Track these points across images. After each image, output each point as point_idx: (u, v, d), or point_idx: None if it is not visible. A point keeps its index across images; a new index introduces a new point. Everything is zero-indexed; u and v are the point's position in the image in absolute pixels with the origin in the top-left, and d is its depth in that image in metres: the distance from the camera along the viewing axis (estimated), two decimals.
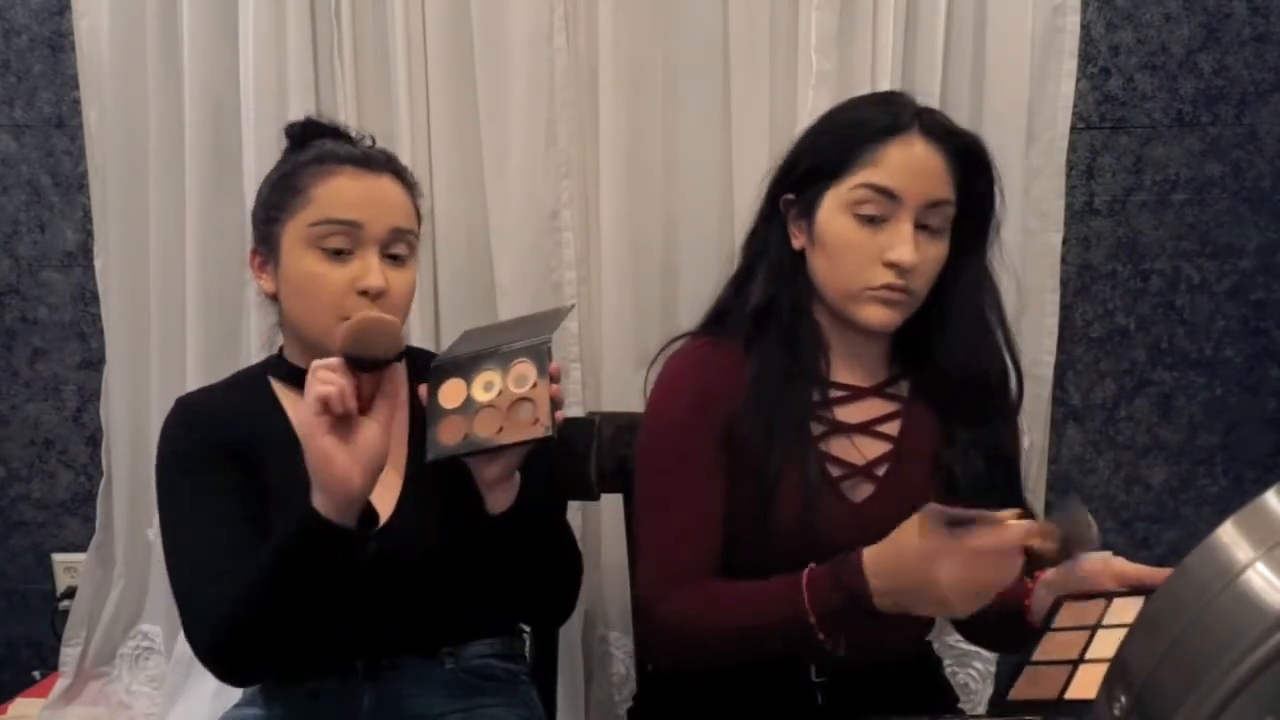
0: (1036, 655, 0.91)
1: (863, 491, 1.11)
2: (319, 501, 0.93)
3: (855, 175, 1.06)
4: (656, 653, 1.14)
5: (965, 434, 1.11)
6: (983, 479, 1.10)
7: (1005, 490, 1.12)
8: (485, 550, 1.04)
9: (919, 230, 1.05)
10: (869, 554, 0.94)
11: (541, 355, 0.97)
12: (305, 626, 1.00)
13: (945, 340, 1.12)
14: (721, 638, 1.03)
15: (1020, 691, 0.87)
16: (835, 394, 1.13)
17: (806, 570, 0.98)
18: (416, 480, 1.10)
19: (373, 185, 1.07)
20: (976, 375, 1.11)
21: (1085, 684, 0.83)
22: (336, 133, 1.15)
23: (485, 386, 0.96)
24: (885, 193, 1.05)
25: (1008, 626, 1.05)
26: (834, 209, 1.08)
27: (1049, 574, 1.01)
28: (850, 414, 1.13)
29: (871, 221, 1.06)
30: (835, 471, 1.11)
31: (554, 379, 0.96)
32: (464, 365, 0.99)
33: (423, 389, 1.02)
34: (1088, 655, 0.87)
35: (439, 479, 1.02)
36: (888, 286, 1.05)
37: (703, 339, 1.18)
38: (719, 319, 1.20)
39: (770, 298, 1.13)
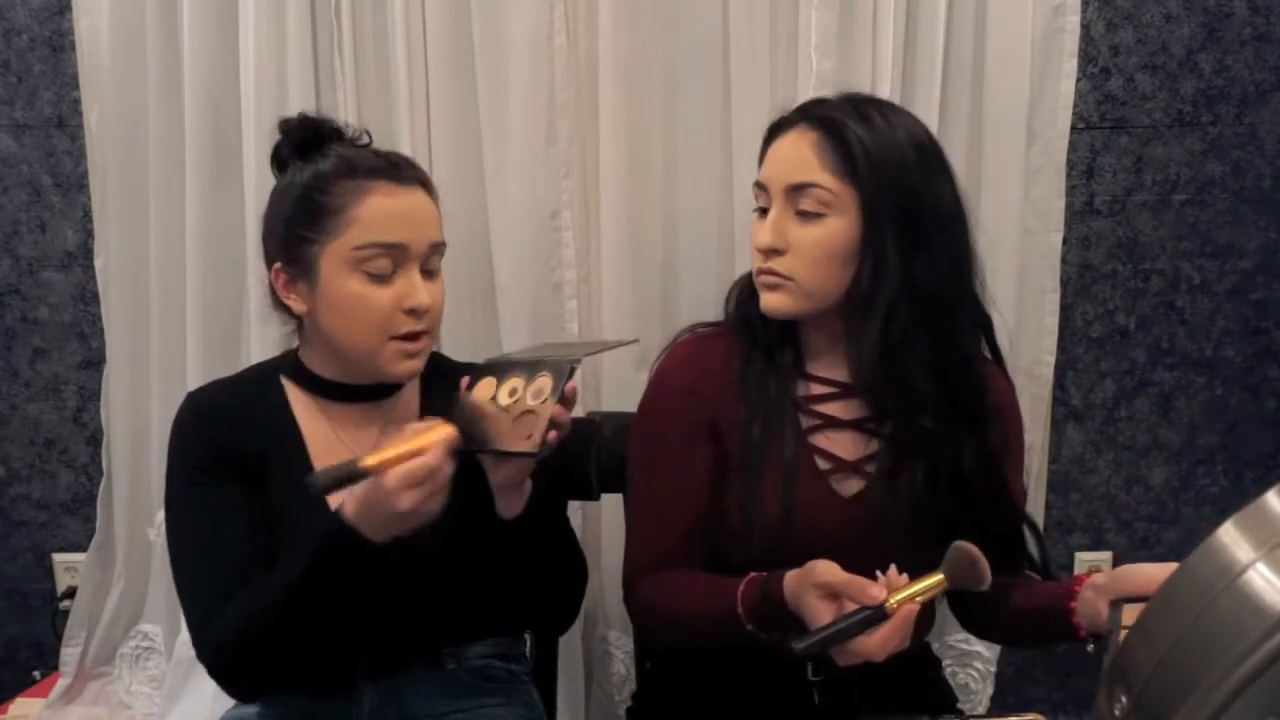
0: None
1: (851, 487, 1.11)
2: (360, 521, 0.92)
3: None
4: (639, 632, 1.20)
5: (921, 452, 1.09)
6: (935, 507, 1.08)
7: (980, 506, 1.10)
8: (493, 554, 1.04)
9: (796, 216, 1.07)
10: (789, 575, 0.97)
11: (562, 373, 0.95)
12: (317, 641, 1.00)
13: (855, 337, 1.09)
14: (681, 623, 1.08)
15: None
16: (824, 389, 1.13)
17: (749, 575, 1.01)
18: None
19: (409, 201, 1.06)
20: (886, 377, 1.07)
21: None
22: (333, 130, 1.12)
23: (510, 391, 0.96)
24: (759, 185, 1.11)
25: (1052, 629, 1.05)
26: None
27: (1096, 578, 1.00)
28: (843, 409, 1.13)
29: (762, 214, 1.10)
30: (824, 465, 1.11)
31: (566, 399, 0.95)
32: (502, 367, 0.99)
33: (464, 380, 1.01)
34: None
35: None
36: (760, 271, 1.09)
37: (703, 332, 1.19)
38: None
39: (735, 291, 1.18)
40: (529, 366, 0.97)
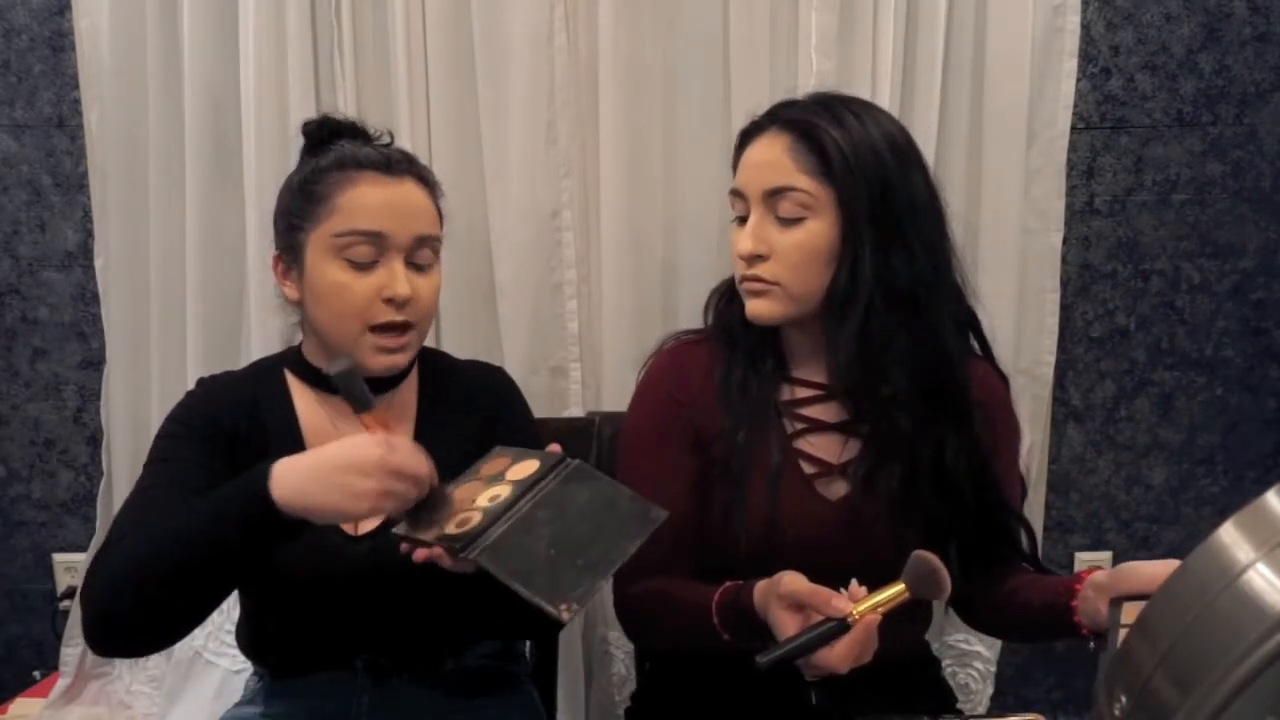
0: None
1: (837, 490, 1.11)
2: (313, 470, 0.89)
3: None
4: (629, 635, 1.21)
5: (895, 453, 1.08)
6: (918, 507, 1.08)
7: (966, 504, 1.09)
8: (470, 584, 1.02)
9: (776, 220, 1.06)
10: (758, 585, 0.97)
11: (487, 522, 0.92)
12: (196, 605, 0.94)
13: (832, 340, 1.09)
14: (667, 631, 1.10)
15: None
16: (807, 392, 1.13)
17: (724, 584, 1.02)
18: None
19: (395, 192, 1.07)
20: (863, 378, 1.07)
21: None
22: (355, 131, 1.13)
23: (490, 498, 0.96)
24: (736, 193, 1.10)
25: (1054, 626, 1.05)
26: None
27: (1096, 576, 0.99)
28: (827, 412, 1.13)
29: (741, 222, 1.10)
30: (809, 469, 1.11)
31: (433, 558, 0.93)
32: (519, 470, 0.98)
33: (555, 447, 1.00)
34: None
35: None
36: (744, 278, 1.09)
37: (686, 339, 1.19)
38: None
39: (714, 299, 1.19)
40: (507, 503, 0.94)
